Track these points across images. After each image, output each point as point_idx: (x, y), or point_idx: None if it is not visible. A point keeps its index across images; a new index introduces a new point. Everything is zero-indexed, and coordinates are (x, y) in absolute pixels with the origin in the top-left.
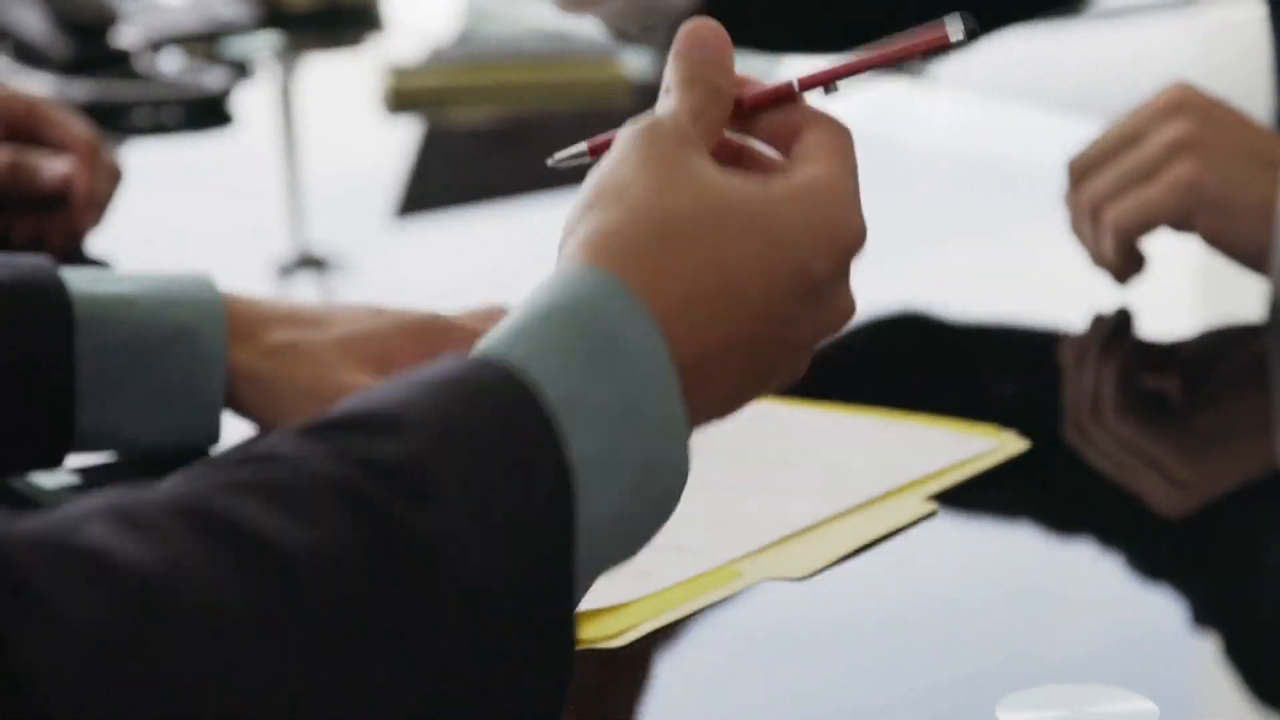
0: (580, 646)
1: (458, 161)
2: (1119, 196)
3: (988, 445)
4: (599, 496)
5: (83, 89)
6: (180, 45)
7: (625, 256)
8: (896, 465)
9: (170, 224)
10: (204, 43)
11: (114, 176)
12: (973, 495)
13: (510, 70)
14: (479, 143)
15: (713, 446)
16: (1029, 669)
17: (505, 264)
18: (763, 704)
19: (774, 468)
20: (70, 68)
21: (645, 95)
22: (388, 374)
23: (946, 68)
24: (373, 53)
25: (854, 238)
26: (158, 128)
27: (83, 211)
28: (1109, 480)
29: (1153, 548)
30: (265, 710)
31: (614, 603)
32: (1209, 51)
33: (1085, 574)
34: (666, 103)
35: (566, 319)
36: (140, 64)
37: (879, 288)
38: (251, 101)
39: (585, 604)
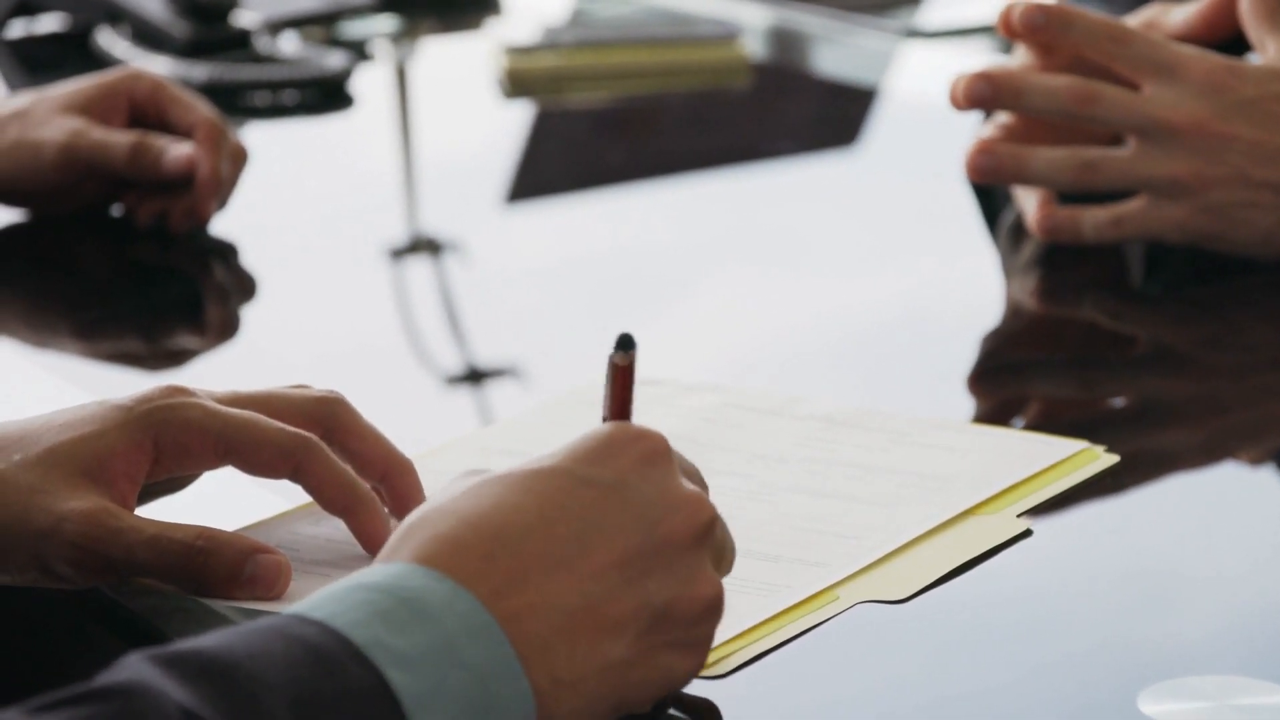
0: None
1: (572, 145)
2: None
3: (1075, 448)
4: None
5: (202, 71)
6: (299, 27)
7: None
8: (988, 473)
9: (287, 206)
10: (323, 25)
11: (238, 159)
12: (1063, 501)
13: (627, 52)
14: (594, 126)
15: (782, 453)
16: (1160, 661)
17: (616, 249)
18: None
19: (855, 476)
20: (190, 49)
21: (765, 76)
22: (110, 482)
23: None
24: (490, 35)
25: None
26: (277, 109)
27: (206, 194)
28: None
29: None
30: None
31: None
32: None
33: (1200, 562)
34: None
35: (369, 588)
36: (260, 45)
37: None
38: (369, 84)
39: None
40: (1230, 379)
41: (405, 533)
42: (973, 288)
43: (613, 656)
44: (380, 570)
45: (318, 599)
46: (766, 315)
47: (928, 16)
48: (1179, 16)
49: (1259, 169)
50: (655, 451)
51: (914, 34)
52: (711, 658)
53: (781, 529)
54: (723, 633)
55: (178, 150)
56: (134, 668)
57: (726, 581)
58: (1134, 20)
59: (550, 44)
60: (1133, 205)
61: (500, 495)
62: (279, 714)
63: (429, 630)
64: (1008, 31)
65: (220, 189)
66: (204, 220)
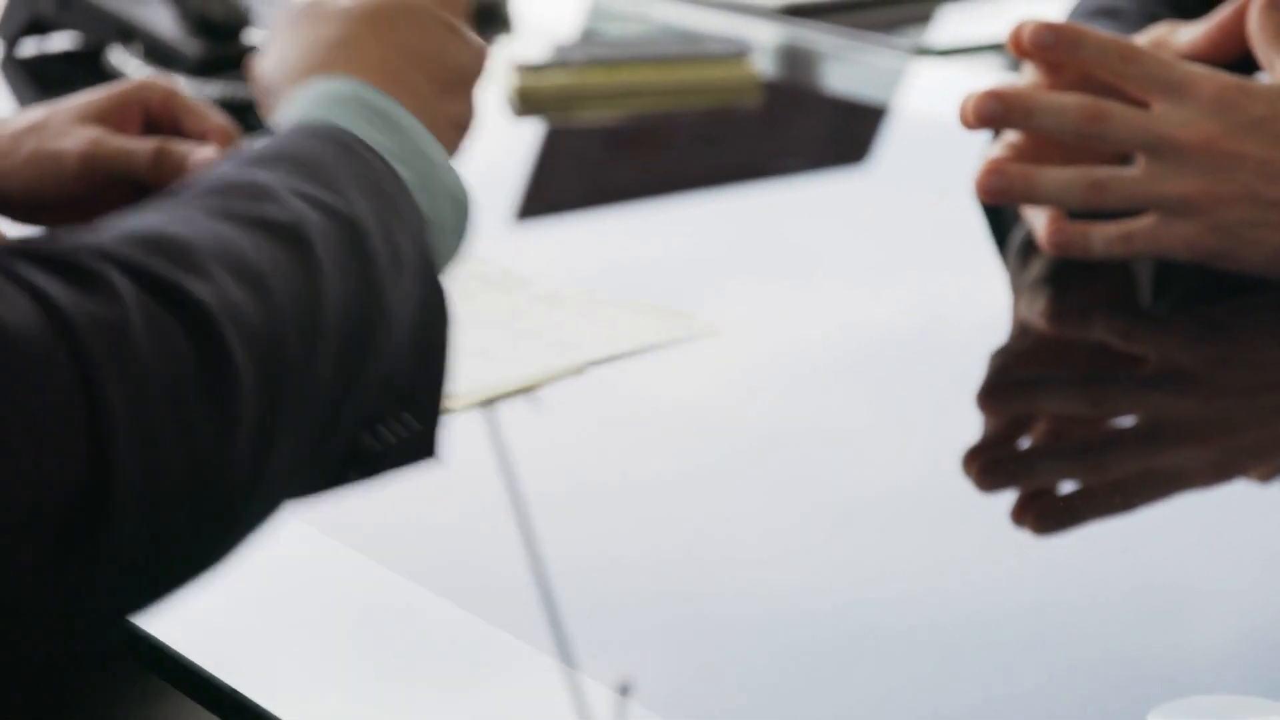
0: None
1: (582, 162)
2: (1103, 221)
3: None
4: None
5: (213, 89)
6: None
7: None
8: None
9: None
10: None
11: None
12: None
13: (638, 70)
14: (604, 143)
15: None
16: (1169, 676)
17: (627, 266)
18: None
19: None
20: (201, 68)
21: (775, 94)
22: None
23: None
24: (502, 51)
25: None
26: None
27: None
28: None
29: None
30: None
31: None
32: None
33: (1210, 578)
34: None
35: (349, 99)
36: None
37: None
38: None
39: None
40: (1240, 398)
41: (316, 53)
42: (982, 305)
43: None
44: (340, 85)
45: (311, 107)
46: (776, 331)
47: (937, 34)
48: (1187, 36)
49: (1269, 188)
50: None
51: (924, 52)
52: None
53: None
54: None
55: (202, 154)
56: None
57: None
58: (1142, 39)
59: (561, 62)
60: (1143, 222)
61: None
62: (351, 194)
63: (401, 135)
64: (1018, 50)
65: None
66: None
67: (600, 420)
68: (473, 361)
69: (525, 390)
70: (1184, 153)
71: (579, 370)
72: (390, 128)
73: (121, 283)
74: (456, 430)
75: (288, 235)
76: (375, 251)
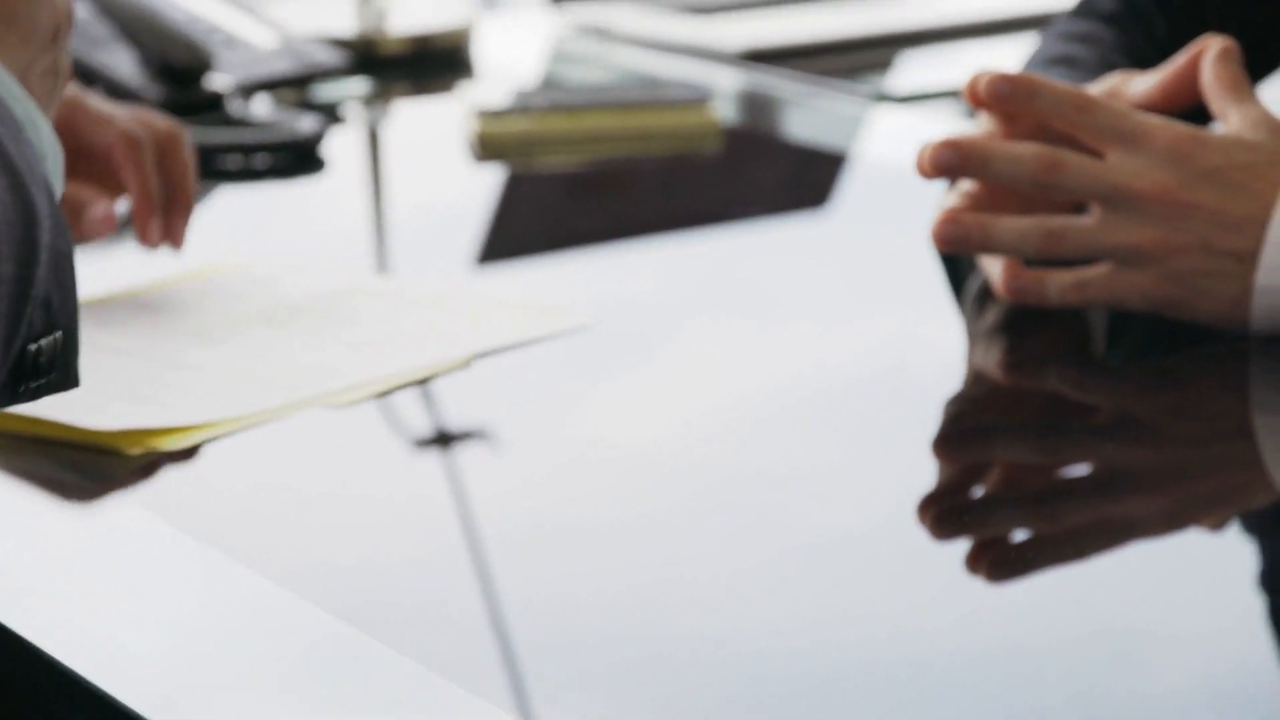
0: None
1: (544, 207)
2: (1059, 268)
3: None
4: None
5: None
6: (271, 90)
7: None
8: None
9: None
10: (295, 88)
11: (171, 151)
12: (1026, 565)
13: (598, 116)
14: (566, 188)
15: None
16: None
17: (588, 309)
18: None
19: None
20: (162, 112)
21: (736, 140)
22: None
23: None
24: (463, 97)
25: None
26: (249, 173)
27: (143, 218)
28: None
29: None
30: None
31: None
32: None
33: (1165, 623)
34: None
35: None
36: (232, 109)
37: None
38: (341, 147)
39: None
40: (1193, 448)
41: None
42: (938, 351)
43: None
44: None
45: None
46: (734, 375)
47: (897, 81)
48: (1141, 85)
49: (1222, 238)
50: None
51: (883, 98)
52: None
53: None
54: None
55: (93, 213)
56: None
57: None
58: (1097, 88)
59: (522, 108)
60: (1097, 271)
61: None
62: None
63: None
64: (974, 101)
65: (169, 198)
66: (175, 237)
67: (558, 460)
68: (360, 354)
69: (417, 383)
70: (1138, 203)
71: (467, 363)
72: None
73: None
74: (398, 462)
75: None
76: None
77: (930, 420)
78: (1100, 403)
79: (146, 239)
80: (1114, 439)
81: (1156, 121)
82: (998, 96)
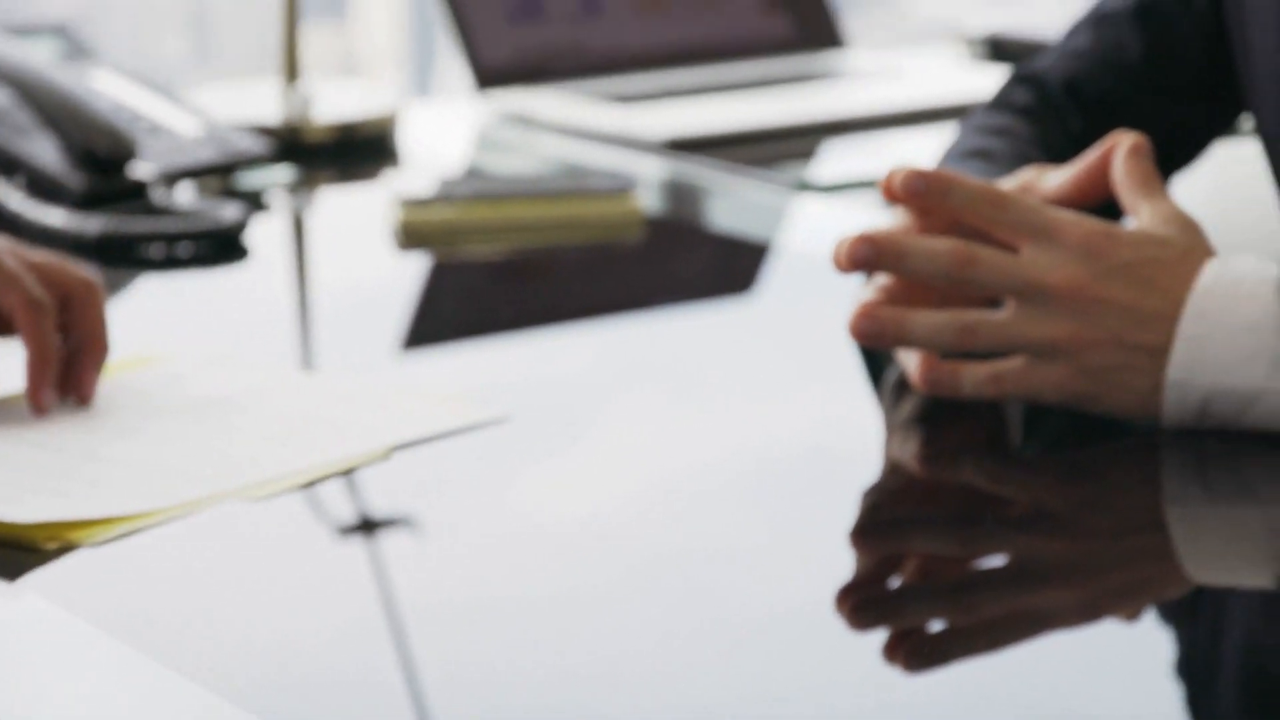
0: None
1: (467, 294)
2: (974, 361)
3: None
4: None
5: (96, 223)
6: (196, 178)
7: None
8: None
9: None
10: (219, 175)
11: (85, 312)
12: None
13: (522, 205)
14: (489, 275)
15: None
16: None
17: (513, 393)
18: None
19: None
20: (85, 201)
21: (659, 229)
22: None
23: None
24: (387, 185)
25: None
26: (172, 261)
27: (37, 384)
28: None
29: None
30: None
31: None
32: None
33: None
34: None
35: None
36: (155, 197)
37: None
38: (265, 234)
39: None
40: (1107, 540)
41: None
42: (856, 441)
43: None
44: None
45: None
46: (655, 459)
47: (819, 170)
48: (1054, 180)
49: (1134, 333)
50: None
51: (805, 187)
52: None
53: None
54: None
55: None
56: None
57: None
58: (1011, 183)
59: (445, 196)
60: (1012, 364)
61: None
62: None
63: None
64: (890, 196)
65: (81, 352)
66: (83, 391)
67: (482, 542)
68: (279, 447)
69: (334, 476)
70: (1051, 297)
71: (386, 456)
72: None
73: None
74: (317, 552)
75: None
76: None
77: (848, 509)
78: (1015, 495)
79: (37, 406)
80: (1029, 531)
81: (1068, 217)
82: (913, 192)
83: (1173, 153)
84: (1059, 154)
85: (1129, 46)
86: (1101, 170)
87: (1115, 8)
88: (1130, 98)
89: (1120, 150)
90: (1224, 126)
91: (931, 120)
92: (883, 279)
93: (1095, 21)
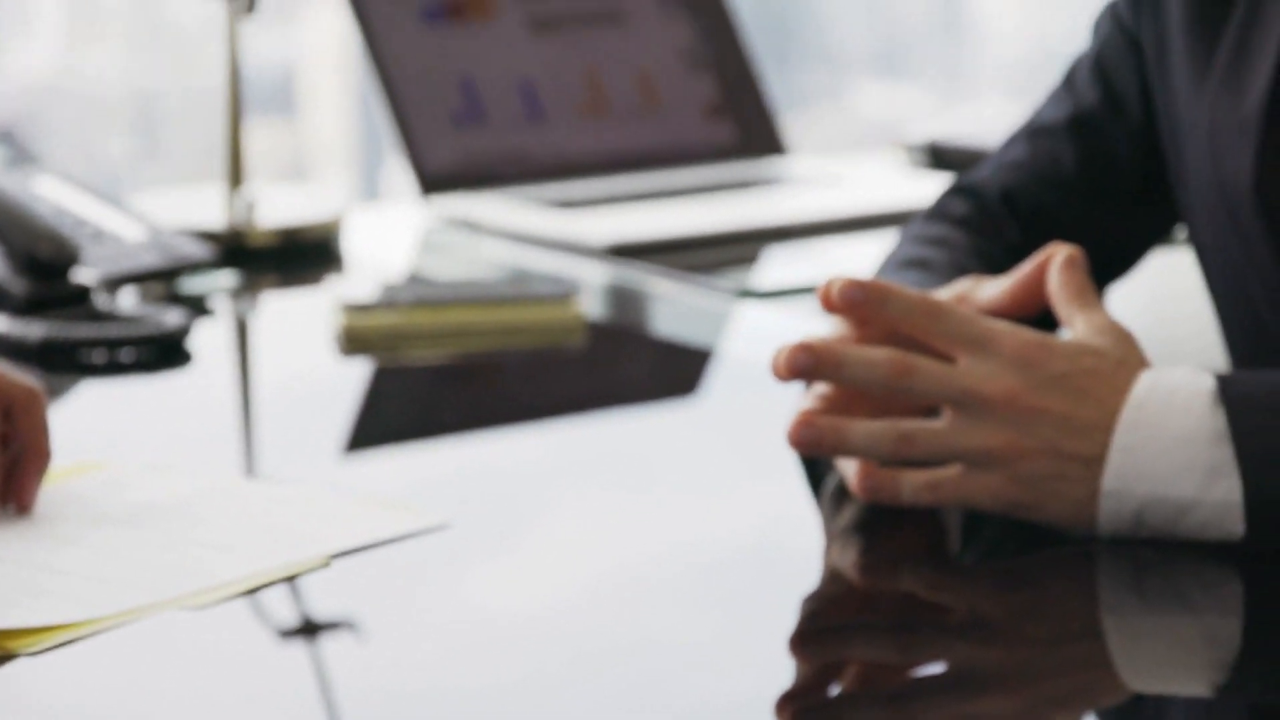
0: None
1: (410, 398)
2: (911, 468)
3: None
4: None
5: (38, 329)
6: (139, 283)
7: None
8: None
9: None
10: (163, 280)
11: (26, 424)
12: None
13: (464, 311)
14: (432, 380)
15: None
16: None
17: (455, 495)
18: None
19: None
20: (27, 307)
21: (601, 334)
22: None
23: None
24: (331, 290)
25: None
26: (114, 367)
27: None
28: None
29: None
30: None
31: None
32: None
33: None
34: None
35: None
36: (98, 302)
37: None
38: (208, 340)
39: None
40: (1043, 649)
41: None
42: (796, 546)
43: None
44: None
45: None
46: (595, 560)
47: (761, 277)
48: (990, 291)
49: (1069, 442)
50: None
51: (747, 294)
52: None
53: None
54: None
55: None
56: None
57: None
58: (947, 293)
59: (388, 302)
60: (949, 472)
61: None
62: None
63: None
64: (828, 306)
65: (22, 460)
66: (24, 499)
67: (431, 637)
68: (220, 555)
69: (272, 584)
70: (987, 407)
71: (326, 563)
72: None
73: None
74: (258, 659)
75: None
76: None
77: (787, 612)
78: (954, 603)
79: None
80: (967, 639)
81: (1004, 327)
82: (850, 303)
83: (1109, 262)
84: (996, 265)
85: (1064, 158)
86: (1037, 281)
87: (1050, 120)
88: (1066, 209)
89: (1055, 262)
90: (1159, 236)
91: (871, 227)
92: (822, 387)
93: (1031, 134)
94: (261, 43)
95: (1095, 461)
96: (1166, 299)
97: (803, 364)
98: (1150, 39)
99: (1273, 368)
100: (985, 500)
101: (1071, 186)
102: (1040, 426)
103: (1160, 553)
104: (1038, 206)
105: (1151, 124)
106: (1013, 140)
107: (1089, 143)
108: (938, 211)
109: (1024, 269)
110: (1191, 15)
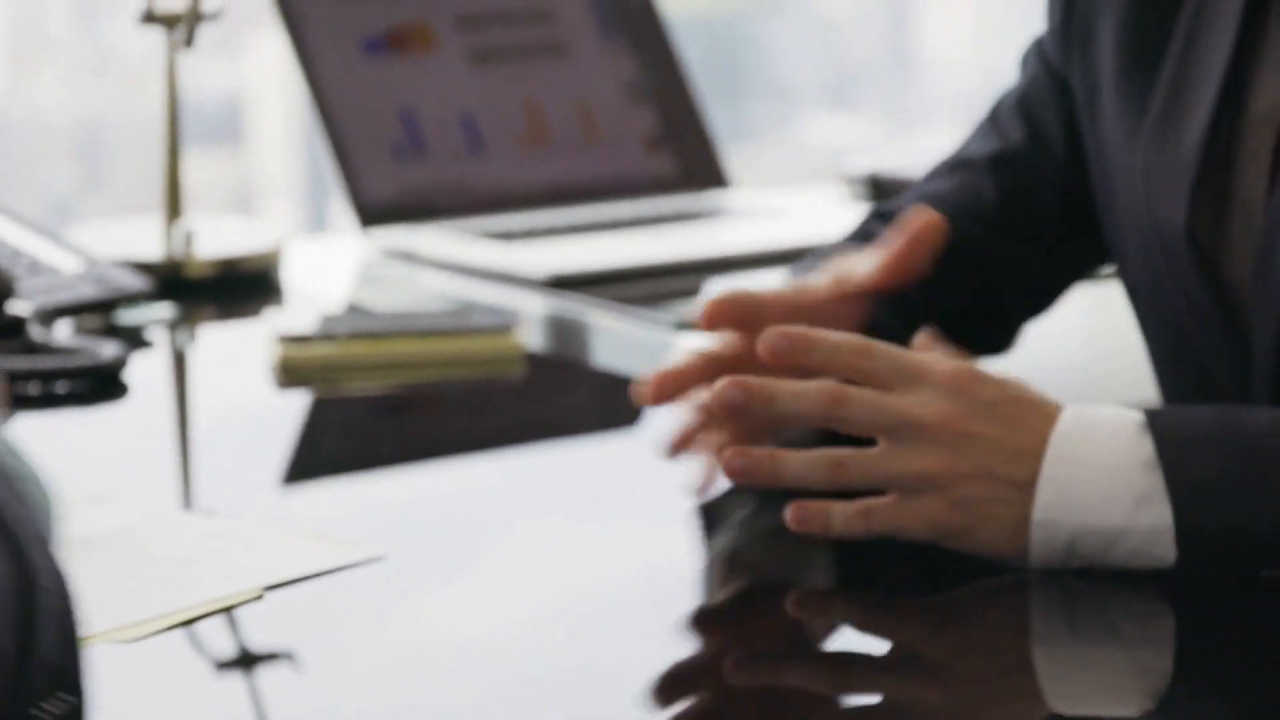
0: None
1: (348, 430)
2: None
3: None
4: None
5: None
6: (75, 315)
7: None
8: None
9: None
10: (99, 312)
11: None
12: None
13: (402, 343)
14: (370, 411)
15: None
16: None
17: (396, 525)
18: None
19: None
20: None
21: (540, 366)
22: None
23: None
24: (269, 321)
25: None
26: (49, 399)
27: None
28: None
29: None
30: None
31: None
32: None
33: None
34: None
35: None
36: (34, 334)
37: None
38: (145, 371)
39: None
40: (979, 683)
41: None
42: (731, 579)
43: None
44: None
45: None
46: (534, 588)
47: (699, 309)
48: (862, 267)
49: (1003, 466)
50: None
51: (684, 326)
52: None
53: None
54: None
55: None
56: None
57: None
58: (823, 275)
59: (326, 334)
60: (882, 500)
61: None
62: None
63: None
64: (709, 325)
65: None
66: None
67: (361, 660)
68: (152, 588)
69: (203, 617)
70: (922, 432)
71: (258, 596)
72: None
73: None
74: (193, 692)
75: None
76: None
77: (723, 646)
78: (886, 634)
79: None
80: (901, 676)
81: (933, 358)
82: (778, 353)
83: (1029, 298)
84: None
85: (985, 193)
86: (908, 252)
87: (975, 154)
88: (985, 243)
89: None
90: (1082, 273)
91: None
92: (699, 400)
93: (954, 167)
94: (210, 73)
95: (1027, 486)
96: (1098, 335)
97: (735, 399)
98: (1080, 80)
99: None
100: (918, 527)
101: (991, 221)
102: (974, 450)
103: (1091, 583)
104: (957, 240)
105: (1077, 162)
106: (936, 173)
107: (1012, 179)
108: (857, 237)
109: (893, 241)
110: (1125, 58)
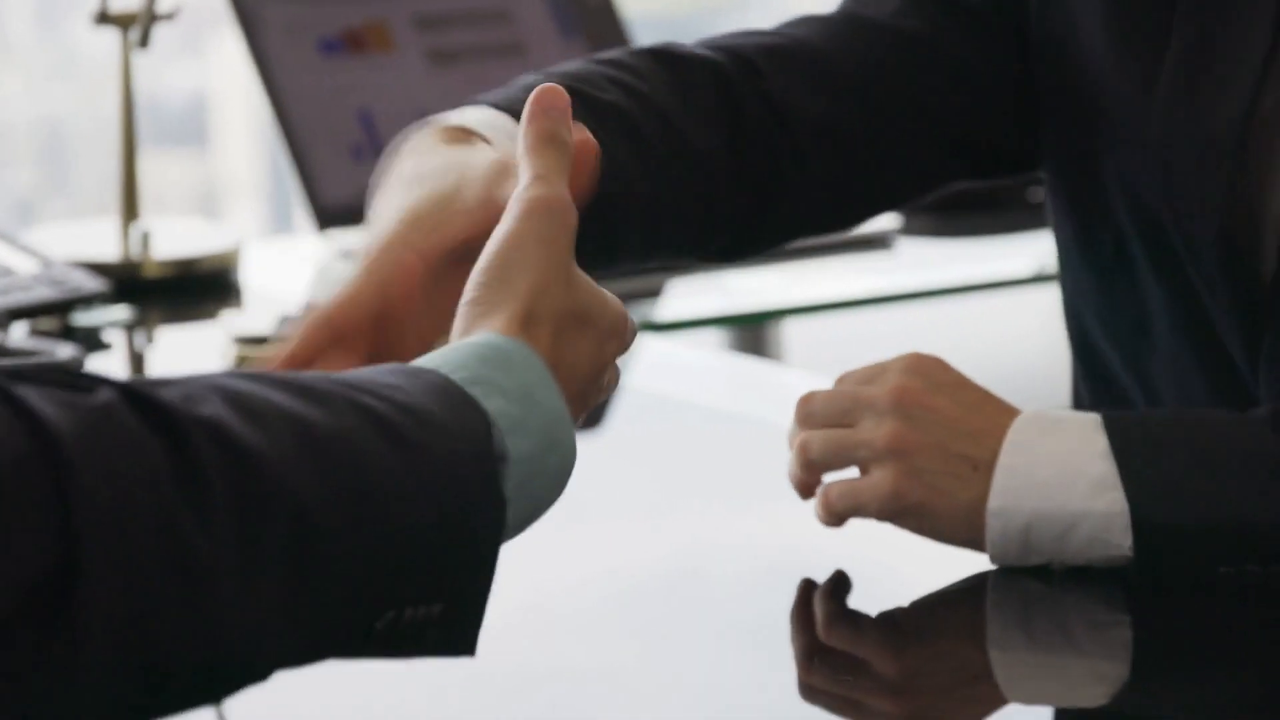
0: None
1: None
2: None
3: None
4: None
5: None
6: (31, 317)
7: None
8: None
9: None
10: (56, 314)
11: None
12: None
13: None
14: None
15: None
16: None
17: None
18: None
19: None
20: None
21: None
22: None
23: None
24: (226, 323)
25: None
26: None
27: None
28: None
29: None
30: None
31: None
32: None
33: None
34: (536, 166)
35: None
36: None
37: None
38: (102, 373)
39: None
40: (936, 696)
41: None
42: (701, 578)
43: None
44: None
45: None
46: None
47: (661, 309)
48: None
49: (958, 443)
50: None
51: (648, 326)
52: None
53: None
54: None
55: None
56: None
57: None
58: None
59: (283, 335)
60: (839, 484)
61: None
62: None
63: (516, 374)
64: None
65: None
66: None
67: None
68: None
69: None
70: (881, 404)
71: None
72: (504, 368)
73: (105, 394)
74: None
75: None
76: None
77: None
78: (847, 647)
79: None
80: (862, 690)
81: (888, 364)
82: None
83: (892, 186)
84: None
85: (878, 59)
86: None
87: (876, 17)
88: (844, 111)
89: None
90: (942, 183)
91: (774, 260)
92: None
93: (849, 19)
94: (175, 73)
95: (984, 467)
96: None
97: None
98: (1055, 32)
99: (1218, 390)
100: (874, 502)
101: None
102: (931, 425)
103: (1048, 586)
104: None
105: (1005, 94)
106: (815, 19)
107: (916, 58)
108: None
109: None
110: (1120, 23)
